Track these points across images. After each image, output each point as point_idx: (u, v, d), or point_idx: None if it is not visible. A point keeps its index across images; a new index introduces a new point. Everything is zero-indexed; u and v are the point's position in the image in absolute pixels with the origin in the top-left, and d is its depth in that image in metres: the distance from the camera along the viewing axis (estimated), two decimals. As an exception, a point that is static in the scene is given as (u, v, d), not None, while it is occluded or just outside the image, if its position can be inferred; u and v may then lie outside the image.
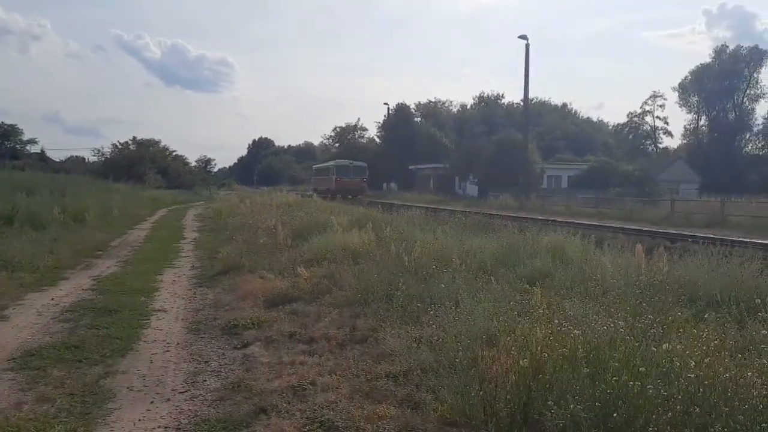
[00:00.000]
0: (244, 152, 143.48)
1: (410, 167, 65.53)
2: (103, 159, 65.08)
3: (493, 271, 8.36)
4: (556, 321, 4.74)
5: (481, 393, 4.07)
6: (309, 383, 5.01)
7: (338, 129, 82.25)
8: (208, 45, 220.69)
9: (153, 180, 56.94)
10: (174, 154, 76.62)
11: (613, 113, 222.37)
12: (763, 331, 4.52)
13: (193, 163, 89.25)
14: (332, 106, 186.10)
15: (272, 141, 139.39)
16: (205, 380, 5.37)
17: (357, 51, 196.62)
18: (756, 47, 70.31)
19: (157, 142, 73.68)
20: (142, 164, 59.48)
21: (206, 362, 5.92)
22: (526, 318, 5.19)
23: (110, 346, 6.31)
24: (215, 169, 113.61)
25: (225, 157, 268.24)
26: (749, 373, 3.60)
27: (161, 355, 6.13)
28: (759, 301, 5.69)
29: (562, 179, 60.03)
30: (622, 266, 7.96)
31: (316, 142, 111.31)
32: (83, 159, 73.58)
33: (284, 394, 4.82)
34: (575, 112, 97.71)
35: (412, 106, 76.19)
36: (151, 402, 4.84)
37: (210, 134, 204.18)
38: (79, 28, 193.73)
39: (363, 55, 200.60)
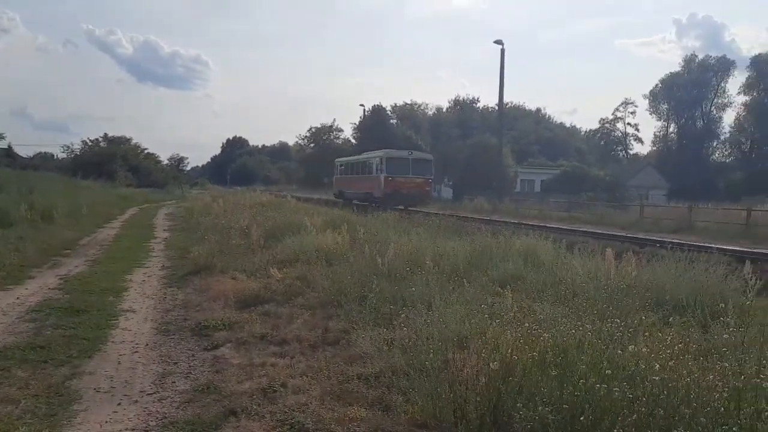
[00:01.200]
0: (217, 151, 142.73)
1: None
2: (72, 156, 64.16)
3: (465, 273, 8.41)
4: (527, 324, 4.80)
5: (451, 395, 4.10)
6: (280, 385, 4.99)
7: (313, 129, 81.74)
8: (182, 42, 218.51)
9: (124, 178, 56.16)
10: (146, 152, 75.90)
11: (586, 119, 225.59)
12: (725, 335, 4.63)
13: (166, 162, 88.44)
14: (308, 106, 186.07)
15: (246, 140, 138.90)
16: (174, 382, 5.31)
17: (333, 51, 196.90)
18: (724, 57, 72.34)
19: (129, 140, 72.98)
20: (112, 162, 58.66)
21: (175, 364, 5.85)
22: (497, 321, 5.24)
23: (77, 347, 6.20)
24: (188, 168, 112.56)
25: (198, 156, 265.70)
26: (711, 376, 3.69)
27: (129, 356, 6.04)
28: (723, 305, 5.82)
29: (536, 183, 60.92)
30: (592, 270, 8.08)
31: (291, 142, 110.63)
32: (52, 156, 72.53)
33: (254, 396, 4.79)
34: (549, 117, 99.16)
35: (388, 107, 76.04)
36: (119, 404, 4.77)
37: (183, 132, 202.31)
38: (49, 22, 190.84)
39: (339, 56, 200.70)
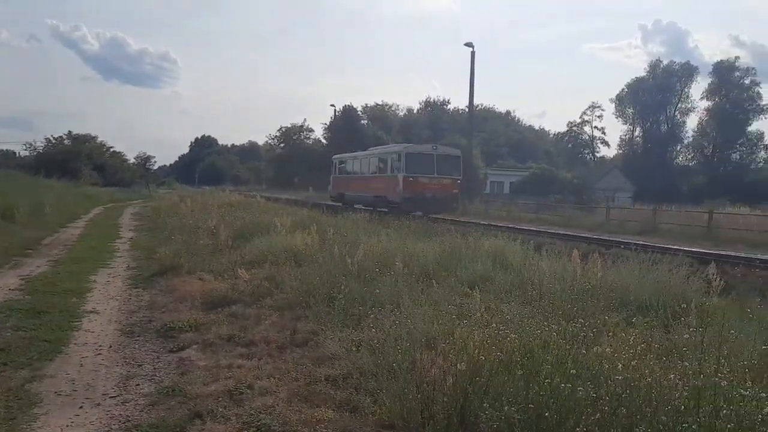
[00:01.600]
0: (185, 150, 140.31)
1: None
2: (35, 154, 62.62)
3: (435, 274, 8.46)
4: (494, 325, 4.84)
5: (419, 396, 4.11)
6: (246, 387, 4.95)
7: (284, 129, 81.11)
8: (150, 39, 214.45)
9: (88, 177, 55.06)
10: (111, 150, 74.52)
11: (554, 122, 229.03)
12: (685, 335, 4.74)
13: (132, 160, 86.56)
14: (278, 105, 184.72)
15: (215, 139, 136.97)
16: (138, 384, 5.22)
17: (305, 51, 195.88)
18: (687, 63, 74.50)
19: (94, 138, 71.44)
20: (77, 160, 57.52)
21: (140, 366, 5.75)
22: (465, 322, 5.27)
23: (38, 349, 6.06)
24: (155, 167, 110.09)
25: (166, 155, 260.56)
26: (672, 376, 3.78)
27: (92, 359, 5.92)
28: (684, 306, 5.96)
29: (505, 185, 61.57)
30: (559, 271, 8.19)
31: (260, 141, 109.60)
32: (14, 153, 70.75)
33: (220, 399, 4.74)
34: (518, 119, 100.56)
35: (359, 108, 76.09)
36: (80, 407, 4.67)
37: (150, 131, 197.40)
38: (12, 16, 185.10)
39: (311, 56, 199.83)
